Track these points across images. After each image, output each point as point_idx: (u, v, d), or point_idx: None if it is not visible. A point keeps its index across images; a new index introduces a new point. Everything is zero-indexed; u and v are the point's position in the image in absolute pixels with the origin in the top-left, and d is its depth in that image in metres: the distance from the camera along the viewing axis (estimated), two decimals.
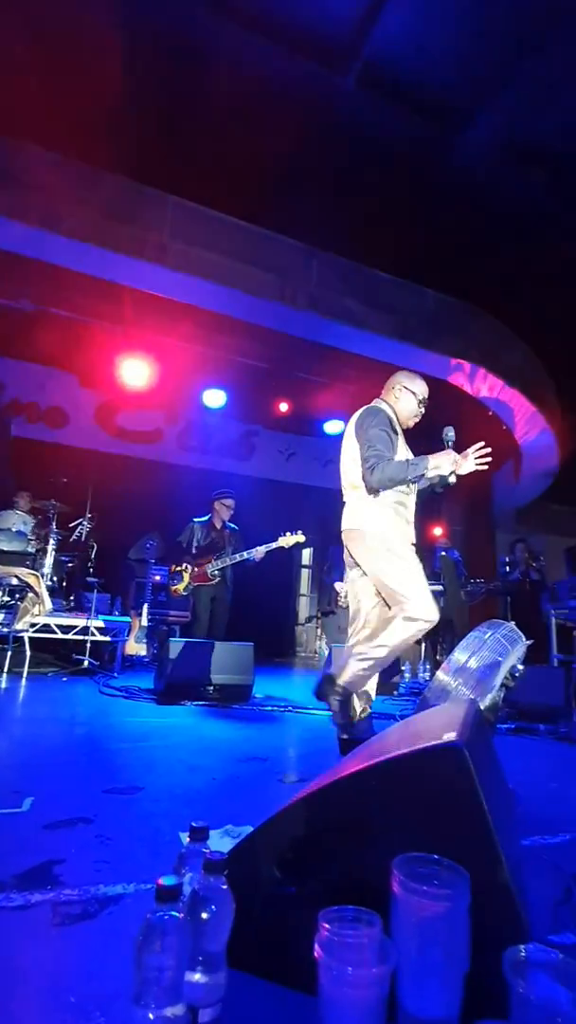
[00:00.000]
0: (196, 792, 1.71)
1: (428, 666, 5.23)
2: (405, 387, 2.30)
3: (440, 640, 5.18)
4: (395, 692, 4.43)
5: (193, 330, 5.60)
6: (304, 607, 9.37)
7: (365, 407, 2.30)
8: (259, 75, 3.34)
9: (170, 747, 2.28)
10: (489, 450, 2.11)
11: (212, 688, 3.47)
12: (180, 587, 4.31)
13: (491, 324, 5.59)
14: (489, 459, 2.12)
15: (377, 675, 2.12)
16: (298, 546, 4.36)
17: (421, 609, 1.96)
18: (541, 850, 1.41)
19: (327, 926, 0.66)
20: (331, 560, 5.93)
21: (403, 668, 5.29)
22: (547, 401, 6.01)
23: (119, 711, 3.03)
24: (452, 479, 2.13)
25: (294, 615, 9.23)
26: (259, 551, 4.26)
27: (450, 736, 0.86)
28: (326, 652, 4.83)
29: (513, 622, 4.45)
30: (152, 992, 0.60)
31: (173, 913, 0.62)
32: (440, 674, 1.65)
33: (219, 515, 4.48)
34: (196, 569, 4.30)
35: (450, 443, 2.15)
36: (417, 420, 2.33)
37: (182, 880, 0.69)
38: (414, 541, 2.26)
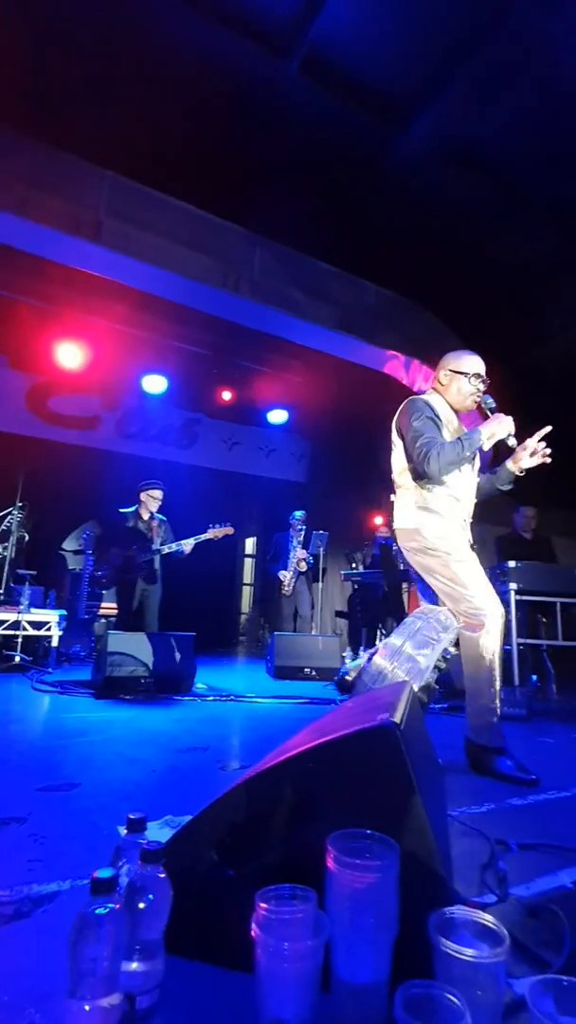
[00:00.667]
0: (135, 785, 1.70)
1: (369, 652, 5.38)
2: (451, 371, 2.21)
3: (380, 626, 5.36)
4: (335, 677, 4.53)
5: (131, 313, 5.42)
6: (247, 596, 9.39)
7: (404, 404, 2.23)
8: (199, 52, 3.24)
9: (108, 741, 2.23)
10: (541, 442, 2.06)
11: (152, 680, 3.42)
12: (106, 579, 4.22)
13: (430, 320, 5.76)
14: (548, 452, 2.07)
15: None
16: (227, 537, 4.38)
17: (472, 605, 1.95)
18: (469, 819, 1.51)
19: (264, 905, 0.68)
20: (275, 549, 5.97)
21: (345, 654, 5.43)
22: None
23: (54, 707, 2.93)
24: (512, 441, 2.04)
25: (237, 604, 9.24)
26: (188, 543, 4.22)
27: (383, 717, 0.90)
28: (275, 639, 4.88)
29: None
30: (87, 984, 0.60)
31: (108, 905, 0.62)
32: (377, 658, 1.72)
33: (146, 506, 4.40)
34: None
35: (491, 409, 2.12)
36: (477, 399, 2.19)
37: (118, 872, 0.69)
38: (470, 539, 2.18)
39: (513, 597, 3.79)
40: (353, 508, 7.29)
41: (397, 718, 0.90)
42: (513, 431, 2.04)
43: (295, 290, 4.74)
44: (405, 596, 6.33)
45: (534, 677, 4.45)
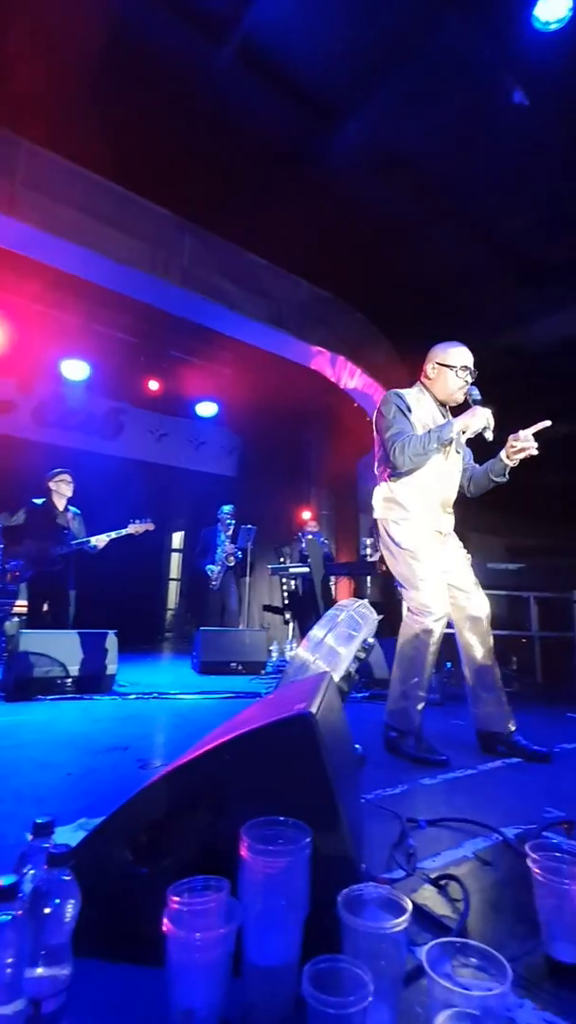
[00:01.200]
0: (48, 790, 1.63)
1: (295, 644, 5.49)
2: (438, 363, 2.20)
3: (305, 619, 5.45)
4: (262, 672, 4.58)
5: (50, 292, 5.14)
6: (173, 592, 9.23)
7: (382, 398, 2.23)
8: (129, 26, 3.12)
9: (19, 746, 2.13)
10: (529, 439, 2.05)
11: (70, 680, 3.29)
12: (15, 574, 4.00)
13: (360, 320, 5.91)
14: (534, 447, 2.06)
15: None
16: (154, 532, 4.29)
17: (418, 601, 2.04)
18: (383, 800, 1.59)
19: (175, 899, 0.69)
20: (203, 543, 5.91)
21: (271, 648, 5.49)
22: None
23: None
24: (489, 435, 2.04)
25: (164, 600, 9.06)
26: (101, 539, 4.08)
27: (300, 707, 0.92)
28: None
29: (367, 600, 4.79)
30: None
31: (9, 913, 0.60)
32: (300, 650, 1.75)
33: (58, 496, 4.21)
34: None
35: (474, 400, 2.10)
36: (464, 392, 2.18)
37: (22, 878, 0.66)
38: (444, 529, 2.22)
39: None
40: (283, 503, 7.36)
41: (313, 708, 0.93)
42: (491, 425, 2.05)
43: (226, 281, 4.68)
44: (333, 589, 6.49)
45: (448, 664, 4.72)
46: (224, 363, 6.54)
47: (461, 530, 5.85)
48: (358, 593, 5.93)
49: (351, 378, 5.88)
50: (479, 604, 2.19)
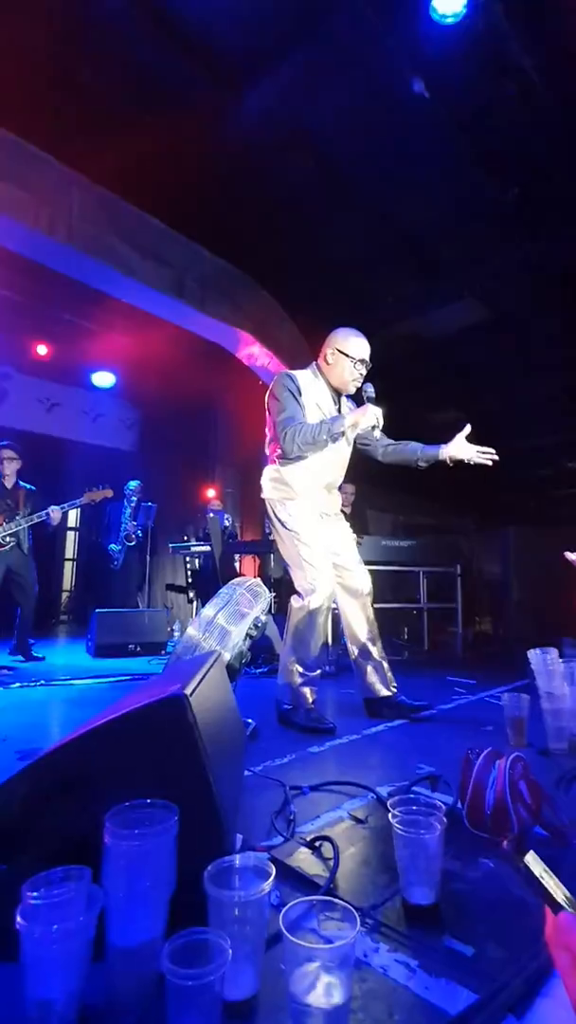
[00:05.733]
0: None
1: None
2: (338, 351, 2.21)
3: (209, 598, 5.43)
4: (163, 652, 4.52)
5: None
6: (69, 573, 8.77)
7: (275, 377, 2.22)
8: None
9: None
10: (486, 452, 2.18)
11: None
12: None
13: (264, 298, 5.85)
14: (491, 455, 2.17)
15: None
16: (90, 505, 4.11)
17: (304, 581, 2.09)
18: (270, 771, 1.64)
19: (29, 893, 0.66)
20: (107, 520, 5.65)
21: (172, 628, 5.42)
22: None
23: None
24: (377, 433, 2.19)
25: (59, 581, 8.58)
26: (55, 511, 3.88)
27: (174, 688, 0.92)
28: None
29: (271, 576, 4.85)
30: None
31: None
32: (190, 630, 1.74)
33: (5, 470, 3.95)
34: None
35: (368, 398, 2.15)
36: (358, 383, 2.22)
37: None
38: (330, 511, 2.29)
39: None
40: (186, 480, 7.21)
41: (188, 689, 0.93)
42: (380, 423, 2.13)
43: (121, 243, 4.39)
44: (238, 567, 6.51)
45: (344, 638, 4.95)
46: (122, 331, 6.19)
47: (360, 508, 6.08)
48: (262, 571, 6.01)
49: (255, 356, 5.83)
50: (361, 580, 2.30)
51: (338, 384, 2.26)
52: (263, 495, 2.28)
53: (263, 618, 1.88)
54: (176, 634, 5.33)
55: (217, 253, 5.26)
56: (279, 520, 2.21)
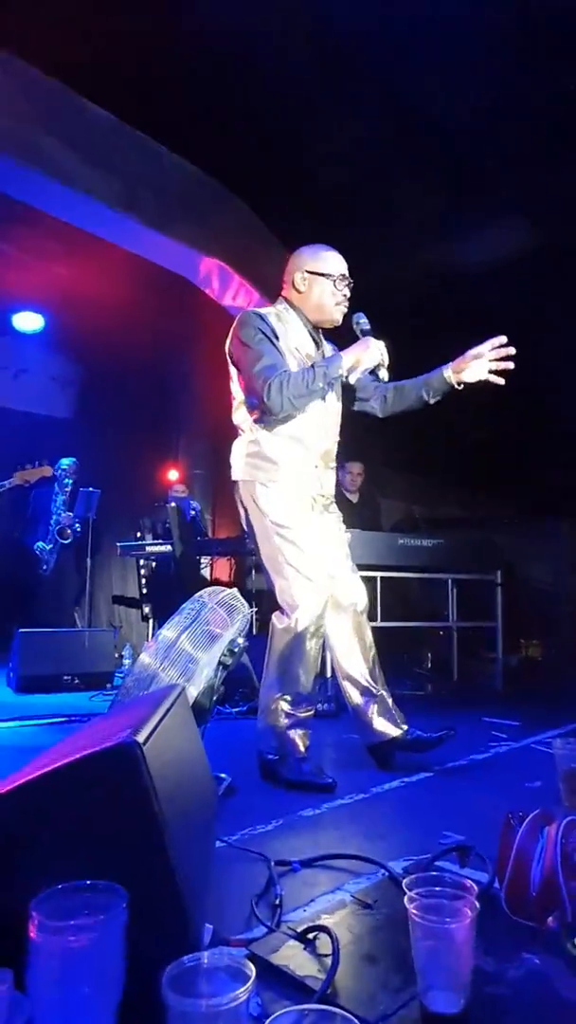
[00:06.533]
0: None
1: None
2: (309, 272, 2.22)
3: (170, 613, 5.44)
4: (108, 685, 4.53)
5: None
6: None
7: (236, 320, 2.22)
8: None
9: None
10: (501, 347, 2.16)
11: None
12: None
13: (245, 215, 5.81)
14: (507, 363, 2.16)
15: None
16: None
17: (287, 593, 2.11)
18: (251, 841, 1.65)
19: None
20: (32, 510, 5.62)
21: (121, 654, 5.43)
22: None
23: None
24: (383, 374, 2.16)
25: None
26: None
27: (124, 735, 0.92)
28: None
29: (251, 587, 4.87)
30: None
31: None
32: (144, 657, 1.75)
33: None
34: None
35: (363, 331, 2.17)
36: (344, 309, 2.25)
37: None
38: (326, 496, 2.32)
39: None
40: (139, 458, 7.19)
41: (142, 735, 0.93)
42: (386, 361, 2.13)
43: (53, 140, 4.32)
44: (209, 573, 6.53)
45: None
46: (54, 259, 6.12)
47: (368, 494, 6.12)
48: (238, 577, 6.02)
49: (232, 292, 5.81)
50: (354, 592, 2.33)
51: (319, 315, 2.28)
52: (235, 477, 2.29)
53: (241, 641, 1.89)
54: (126, 662, 5.34)
55: (182, 155, 5.22)
56: (259, 508, 2.21)
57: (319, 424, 2.25)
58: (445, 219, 5.38)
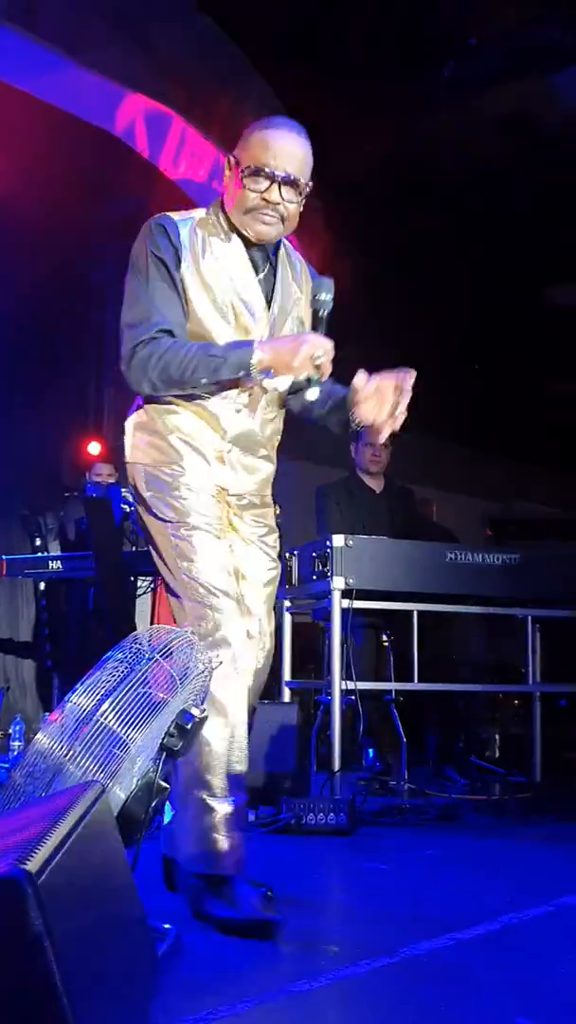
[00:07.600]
0: None
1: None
2: (234, 157, 2.33)
3: (83, 664, 5.46)
4: None
5: None
6: None
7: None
8: None
9: None
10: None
11: None
12: None
13: (209, 35, 5.78)
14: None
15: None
16: None
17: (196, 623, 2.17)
18: None
19: None
20: None
21: (9, 731, 5.45)
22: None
23: None
24: (312, 393, 2.23)
25: None
26: None
27: (6, 864, 0.92)
28: None
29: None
30: None
31: None
32: (42, 737, 1.74)
33: None
34: None
35: (321, 311, 2.26)
36: (270, 227, 2.32)
37: None
38: (250, 492, 2.44)
39: (337, 605, 4.14)
40: (42, 424, 7.22)
41: (33, 864, 0.93)
42: (325, 372, 2.18)
43: None
44: (147, 600, 6.53)
45: (371, 752, 5.00)
46: None
47: (391, 483, 6.11)
48: None
49: (187, 154, 5.86)
50: (256, 639, 2.46)
51: (244, 221, 2.33)
52: (127, 458, 2.43)
53: (196, 713, 1.88)
54: (15, 744, 5.35)
55: None
56: (147, 505, 2.32)
57: (231, 402, 2.35)
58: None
